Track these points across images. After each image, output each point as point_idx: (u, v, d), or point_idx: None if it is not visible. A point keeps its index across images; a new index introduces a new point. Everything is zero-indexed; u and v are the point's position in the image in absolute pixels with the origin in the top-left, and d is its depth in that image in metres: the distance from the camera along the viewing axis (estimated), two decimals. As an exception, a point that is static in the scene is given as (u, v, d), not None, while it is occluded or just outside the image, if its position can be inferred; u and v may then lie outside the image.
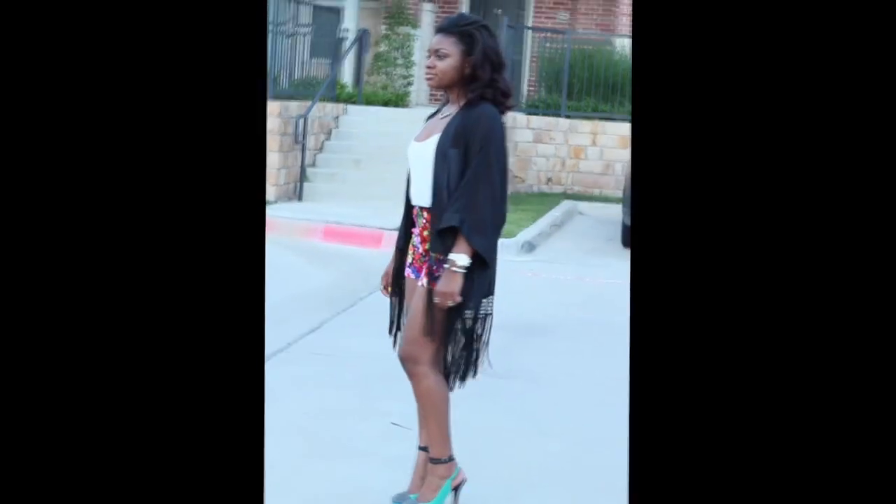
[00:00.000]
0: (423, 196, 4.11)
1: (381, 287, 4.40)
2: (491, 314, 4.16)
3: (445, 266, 3.98)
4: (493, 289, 4.17)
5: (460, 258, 3.96)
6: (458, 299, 3.98)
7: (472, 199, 3.96)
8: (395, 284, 4.34)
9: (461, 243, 3.96)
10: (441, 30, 4.12)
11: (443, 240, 4.01)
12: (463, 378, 4.19)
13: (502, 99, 4.08)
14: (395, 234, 4.40)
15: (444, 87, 4.15)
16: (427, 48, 4.19)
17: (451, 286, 3.97)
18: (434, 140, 4.08)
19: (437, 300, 3.99)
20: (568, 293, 9.47)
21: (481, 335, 4.15)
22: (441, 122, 4.13)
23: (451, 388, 4.18)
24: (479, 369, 4.21)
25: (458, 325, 4.07)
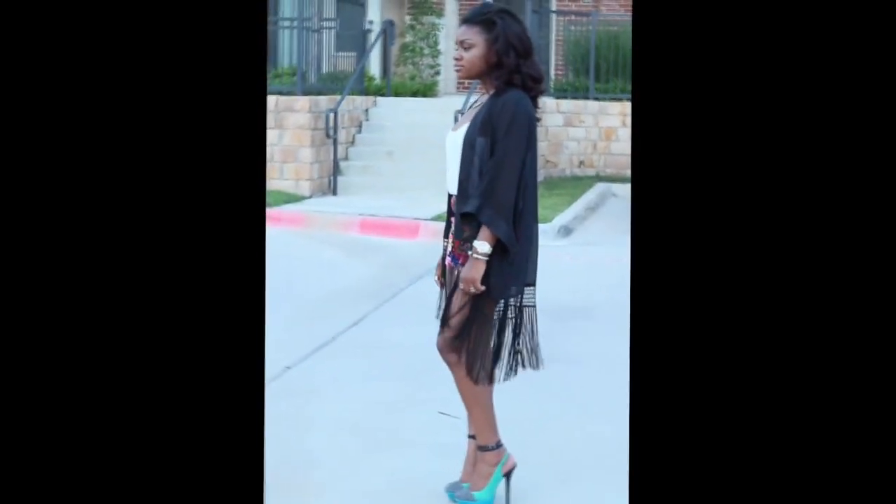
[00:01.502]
0: (454, 185, 4.14)
1: (436, 278, 4.42)
2: (533, 306, 4.17)
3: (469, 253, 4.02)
4: (535, 279, 4.17)
5: (482, 245, 3.98)
6: (480, 287, 4.00)
7: (493, 185, 3.98)
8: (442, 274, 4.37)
9: (484, 230, 3.98)
10: (465, 20, 4.15)
11: (464, 226, 4.04)
12: (513, 369, 4.20)
13: (532, 84, 4.10)
14: (432, 224, 4.42)
15: (474, 77, 4.18)
16: (454, 39, 4.22)
17: (472, 273, 4.00)
18: (464, 129, 4.11)
19: (461, 286, 4.03)
20: (606, 275, 9.46)
21: (524, 326, 4.16)
22: (473, 112, 4.16)
23: (478, 381, 4.16)
24: (535, 360, 4.22)
25: (496, 316, 4.10)
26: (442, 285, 4.35)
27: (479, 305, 4.06)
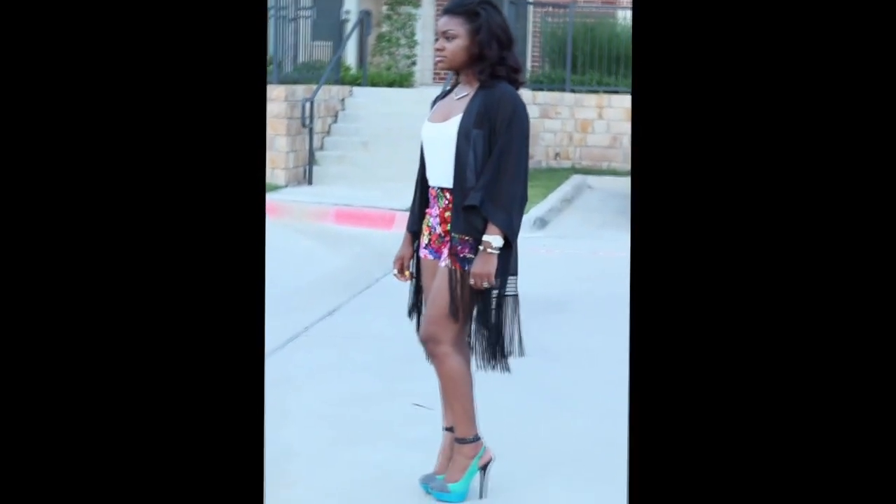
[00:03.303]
0: (444, 177, 4.11)
1: (394, 270, 4.39)
2: (517, 294, 4.17)
3: (479, 247, 3.99)
4: (517, 268, 4.17)
5: (495, 239, 3.97)
6: (494, 281, 4.00)
7: (496, 178, 3.98)
8: (415, 267, 4.34)
9: (493, 224, 3.97)
10: (447, 11, 4.12)
11: (466, 219, 4.02)
12: (495, 358, 4.18)
13: (514, 76, 4.10)
14: (408, 215, 4.40)
15: (456, 68, 4.15)
16: (435, 30, 4.20)
17: (486, 267, 3.99)
18: (455, 121, 4.07)
19: (472, 281, 4.01)
20: (582, 268, 9.46)
21: (511, 316, 4.15)
22: (459, 103, 4.12)
23: (482, 368, 4.18)
24: (520, 349, 4.21)
25: (492, 306, 4.08)
26: (408, 278, 4.34)
27: (483, 296, 4.07)
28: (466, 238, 4.03)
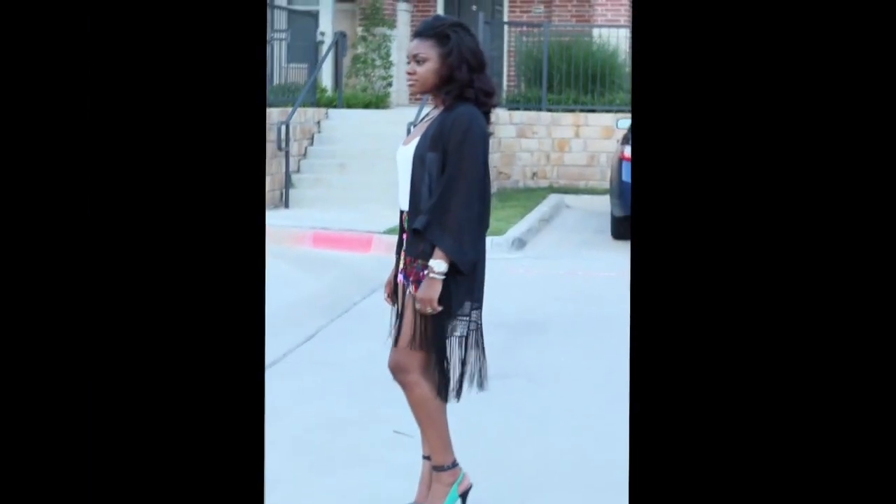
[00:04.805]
0: (406, 201, 4.08)
1: (385, 295, 4.33)
2: (479, 327, 4.11)
3: (425, 272, 3.94)
4: (482, 299, 4.10)
5: (438, 264, 3.90)
6: (437, 307, 3.93)
7: (443, 203, 3.90)
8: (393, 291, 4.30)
9: (438, 248, 3.91)
10: (418, 34, 4.07)
11: (416, 244, 3.97)
12: (458, 390, 4.11)
13: (485, 98, 4.03)
14: (385, 238, 4.37)
15: (428, 92, 4.11)
16: (406, 54, 4.15)
17: (429, 292, 3.91)
18: (415, 144, 4.04)
19: (417, 306, 3.94)
20: (561, 288, 9.44)
21: (474, 345, 4.09)
22: (424, 126, 4.09)
23: (447, 400, 4.11)
24: (483, 380, 4.15)
25: (455, 334, 4.02)
26: (393, 303, 4.28)
27: (439, 323, 3.99)
28: (425, 263, 3.97)
